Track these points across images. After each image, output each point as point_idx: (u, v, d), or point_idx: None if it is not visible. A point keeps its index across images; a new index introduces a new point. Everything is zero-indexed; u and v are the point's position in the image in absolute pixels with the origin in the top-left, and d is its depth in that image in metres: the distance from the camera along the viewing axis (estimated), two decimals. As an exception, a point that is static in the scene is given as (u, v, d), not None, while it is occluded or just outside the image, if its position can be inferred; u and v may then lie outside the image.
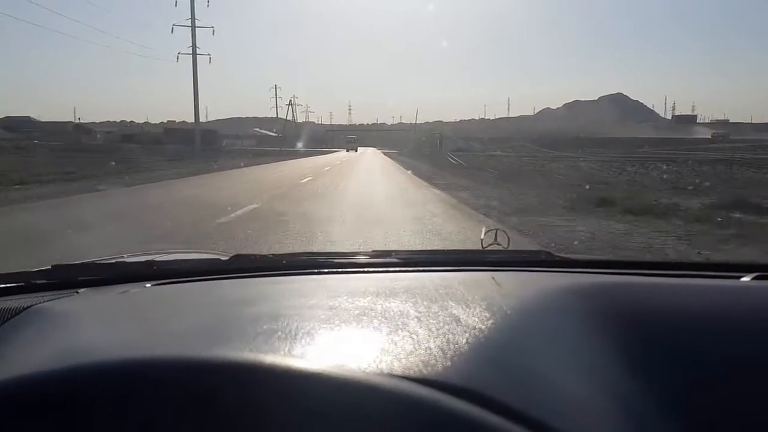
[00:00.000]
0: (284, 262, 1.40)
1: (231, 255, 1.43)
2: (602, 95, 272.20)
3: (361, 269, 1.33)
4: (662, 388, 0.70)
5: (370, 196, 14.02)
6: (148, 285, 1.18)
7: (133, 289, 1.15)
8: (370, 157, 51.55)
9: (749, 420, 0.68)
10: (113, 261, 1.49)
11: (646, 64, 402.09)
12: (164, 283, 1.20)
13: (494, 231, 1.70)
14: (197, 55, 47.44)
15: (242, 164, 30.69)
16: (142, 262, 1.38)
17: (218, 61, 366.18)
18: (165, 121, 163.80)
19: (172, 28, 49.37)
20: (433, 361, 0.65)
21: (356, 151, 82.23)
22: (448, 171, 25.66)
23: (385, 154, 66.20)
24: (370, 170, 28.46)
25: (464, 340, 0.73)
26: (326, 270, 1.31)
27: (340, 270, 1.32)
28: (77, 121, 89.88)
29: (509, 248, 1.64)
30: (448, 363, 0.65)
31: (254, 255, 1.47)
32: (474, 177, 20.71)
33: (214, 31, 51.70)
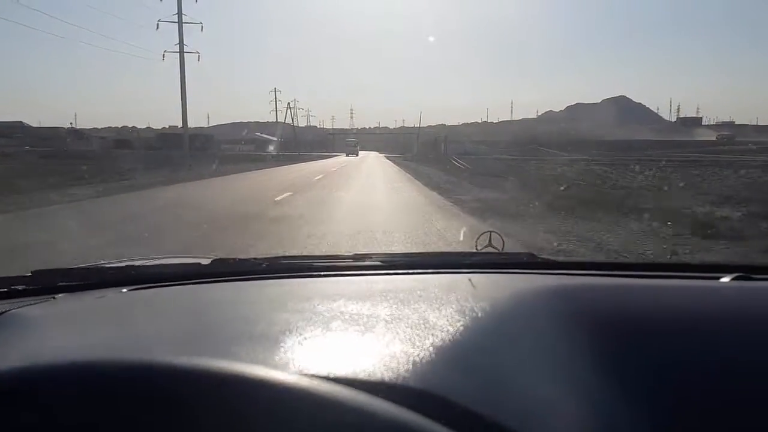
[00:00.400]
0: (264, 265, 1.38)
1: (212, 259, 1.42)
2: (605, 98, 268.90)
3: (340, 272, 1.33)
4: (636, 391, 0.69)
5: (370, 227, 9.08)
6: (125, 290, 1.18)
7: (110, 294, 1.16)
8: (372, 162, 46.99)
9: (724, 423, 0.67)
10: (92, 267, 1.45)
11: (648, 66, 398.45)
12: (141, 288, 1.20)
13: (488, 233, 1.67)
14: (185, 53, 42.77)
15: (224, 172, 26.87)
16: (120, 267, 1.39)
17: (220, 66, 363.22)
18: (167, 126, 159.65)
19: (157, 25, 44.07)
20: (395, 365, 0.65)
21: (357, 155, 77.00)
22: (463, 179, 21.40)
23: (388, 158, 61.53)
24: (371, 178, 24.07)
25: (430, 343, 0.72)
26: (305, 273, 1.31)
27: (318, 273, 1.31)
28: (70, 126, 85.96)
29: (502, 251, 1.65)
30: (410, 366, 0.65)
31: (234, 259, 1.49)
32: (497, 188, 16.39)
33: (202, 27, 45.89)
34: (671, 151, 52.58)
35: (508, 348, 0.76)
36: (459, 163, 36.17)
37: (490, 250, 1.64)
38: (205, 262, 1.42)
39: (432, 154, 52.64)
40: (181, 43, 42.11)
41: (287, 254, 1.83)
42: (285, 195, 14.61)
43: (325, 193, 15.93)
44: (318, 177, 23.80)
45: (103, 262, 1.55)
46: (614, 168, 27.00)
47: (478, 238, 1.67)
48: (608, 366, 0.72)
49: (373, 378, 0.61)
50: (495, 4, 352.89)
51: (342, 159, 56.99)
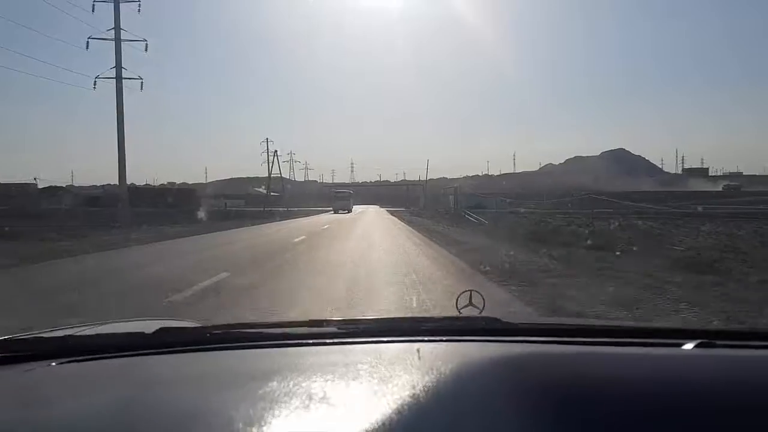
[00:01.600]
0: (208, 335, 1.30)
1: (157, 329, 1.28)
2: (603, 150, 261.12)
3: (288, 342, 1.27)
4: None
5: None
6: (53, 363, 1.11)
7: (38, 368, 1.09)
8: (371, 220, 35.60)
9: None
10: (29, 336, 1.33)
11: (647, 119, 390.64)
12: (71, 361, 1.13)
13: (469, 292, 1.64)
14: (123, 79, 31.16)
15: (143, 239, 17.14)
16: (57, 337, 1.31)
17: (218, 121, 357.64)
18: (166, 182, 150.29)
19: (87, 43, 32.13)
20: None
21: (350, 211, 61.07)
22: (522, 247, 11.41)
23: (391, 213, 49.42)
24: (369, 272, 9.99)
25: (362, 426, 0.69)
26: (253, 344, 1.25)
27: (267, 344, 1.26)
28: (34, 181, 76.50)
29: (483, 310, 1.58)
30: None
31: (180, 328, 1.39)
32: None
33: (147, 46, 33.46)
34: (689, 202, 44.92)
35: (444, 427, 0.71)
36: (472, 217, 27.79)
37: (470, 309, 1.60)
38: (148, 331, 1.27)
39: (442, 208, 43.03)
40: (118, 67, 31.09)
41: (241, 321, 1.50)
42: None
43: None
44: (214, 279, 9.46)
45: (49, 329, 1.41)
46: (661, 223, 19.18)
47: (458, 297, 1.63)
48: None
49: None
50: (494, 59, 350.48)
51: (329, 217, 43.74)
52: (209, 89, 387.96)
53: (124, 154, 31.54)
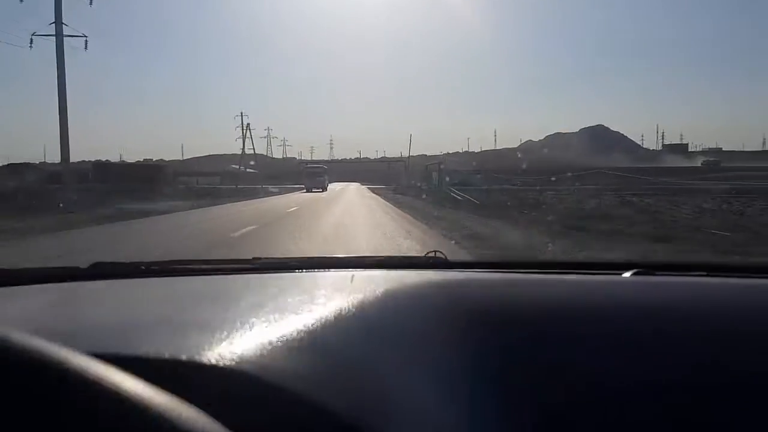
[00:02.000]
0: (143, 268, 1.31)
1: (92, 263, 1.30)
2: (582, 127, 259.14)
3: (225, 271, 1.26)
4: (513, 387, 0.66)
5: None
6: None
7: None
8: (350, 200, 32.00)
9: (616, 414, 0.64)
10: None
11: (626, 96, 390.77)
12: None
13: (433, 252, 1.63)
14: (64, 36, 26.28)
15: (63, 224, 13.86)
16: None
17: (196, 99, 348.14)
18: (141, 159, 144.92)
19: None
20: (242, 356, 0.60)
21: (324, 189, 52.99)
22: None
23: (373, 191, 45.99)
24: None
25: (282, 343, 0.66)
26: (186, 272, 1.26)
27: (200, 273, 1.26)
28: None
29: None
30: (263, 353, 0.61)
31: (116, 263, 1.36)
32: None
33: (91, 1, 29.13)
34: (674, 179, 43.91)
35: (368, 343, 0.70)
36: (457, 194, 24.82)
37: None
38: (84, 266, 1.28)
39: (425, 185, 39.56)
40: (58, 23, 26.37)
41: (183, 258, 1.48)
42: None
43: None
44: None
45: None
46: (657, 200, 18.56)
47: (424, 256, 1.61)
48: (493, 361, 0.66)
49: (213, 370, 0.56)
50: (474, 36, 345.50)
51: (303, 197, 39.21)
52: (188, 64, 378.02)
53: (67, 124, 27.33)
